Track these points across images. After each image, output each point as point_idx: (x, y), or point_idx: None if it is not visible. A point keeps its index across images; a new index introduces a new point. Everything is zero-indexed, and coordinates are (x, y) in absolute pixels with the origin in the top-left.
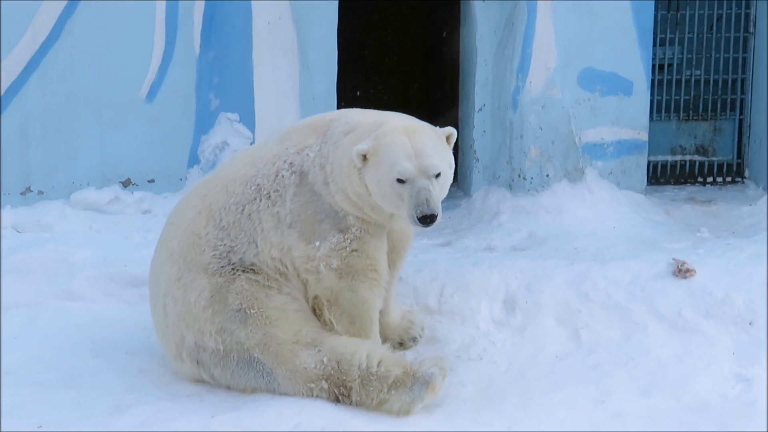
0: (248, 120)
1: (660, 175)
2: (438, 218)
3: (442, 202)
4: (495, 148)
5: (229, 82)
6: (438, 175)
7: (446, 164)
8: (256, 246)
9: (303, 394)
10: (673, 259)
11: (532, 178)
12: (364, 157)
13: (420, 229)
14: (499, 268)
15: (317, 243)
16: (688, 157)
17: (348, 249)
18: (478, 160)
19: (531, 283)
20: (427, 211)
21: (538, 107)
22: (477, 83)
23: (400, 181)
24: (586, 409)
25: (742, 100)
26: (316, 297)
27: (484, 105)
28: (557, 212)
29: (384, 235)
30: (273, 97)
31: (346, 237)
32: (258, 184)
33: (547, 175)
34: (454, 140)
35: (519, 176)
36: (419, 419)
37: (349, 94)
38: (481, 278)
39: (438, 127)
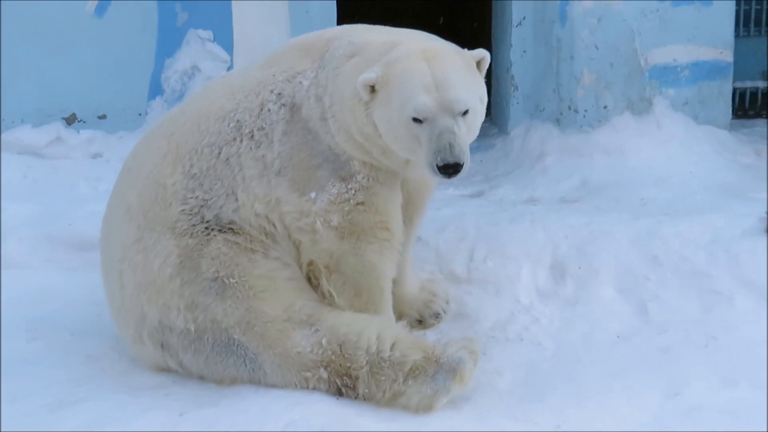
0: (225, 39)
1: (748, 106)
2: (464, 168)
3: (472, 141)
4: (538, 72)
5: None
6: (465, 113)
7: (476, 98)
8: (236, 199)
9: (296, 385)
10: (765, 212)
11: (585, 111)
12: (372, 89)
13: (441, 179)
14: (544, 225)
15: (313, 195)
16: None
17: (352, 202)
18: (516, 88)
19: (584, 244)
20: (450, 159)
21: (593, 20)
22: None
23: (416, 120)
24: (654, 402)
25: None
26: (311, 263)
27: (524, 18)
28: (618, 153)
29: (397, 184)
30: (256, 11)
31: (349, 187)
32: (238, 121)
33: (605, 107)
34: (487, 65)
35: (569, 108)
36: (444, 416)
37: (353, 10)
38: (522, 238)
39: (466, 50)
